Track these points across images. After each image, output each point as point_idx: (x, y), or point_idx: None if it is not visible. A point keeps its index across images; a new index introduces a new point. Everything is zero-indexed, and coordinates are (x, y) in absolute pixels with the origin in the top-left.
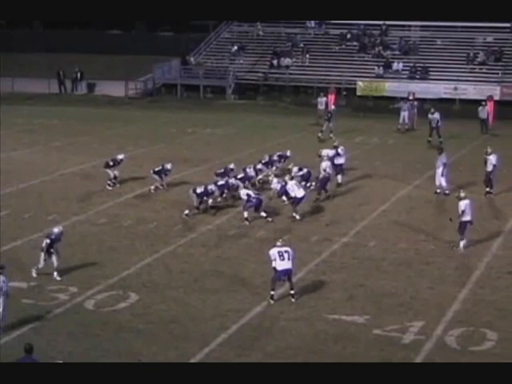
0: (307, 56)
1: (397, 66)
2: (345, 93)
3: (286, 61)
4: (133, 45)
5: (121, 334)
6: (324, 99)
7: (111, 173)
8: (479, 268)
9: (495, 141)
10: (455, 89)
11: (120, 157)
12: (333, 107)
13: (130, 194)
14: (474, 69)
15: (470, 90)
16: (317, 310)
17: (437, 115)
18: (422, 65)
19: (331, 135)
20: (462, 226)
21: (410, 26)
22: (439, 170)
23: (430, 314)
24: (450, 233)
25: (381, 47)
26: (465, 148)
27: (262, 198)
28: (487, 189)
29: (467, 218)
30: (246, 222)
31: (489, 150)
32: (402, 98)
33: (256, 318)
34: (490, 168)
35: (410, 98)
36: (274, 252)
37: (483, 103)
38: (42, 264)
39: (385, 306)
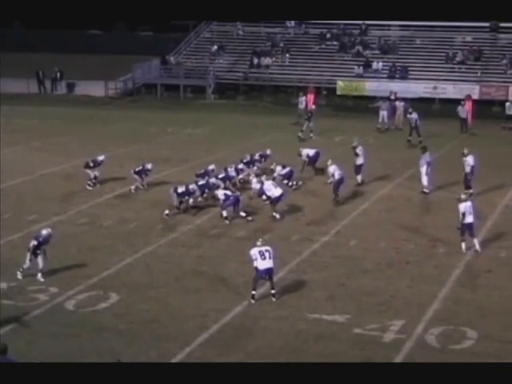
0: (287, 55)
1: (376, 65)
2: (325, 92)
3: (266, 60)
4: (112, 44)
5: (101, 334)
6: (304, 98)
7: (91, 173)
8: (459, 267)
9: (474, 140)
10: (435, 88)
11: (100, 158)
12: (313, 107)
13: (111, 194)
14: (454, 68)
15: (449, 90)
16: (298, 310)
17: (415, 115)
18: (401, 64)
19: (311, 135)
20: (464, 228)
21: (389, 25)
22: (423, 169)
23: (410, 312)
24: (431, 232)
25: (360, 46)
26: (444, 147)
27: (239, 197)
28: (465, 190)
29: (469, 220)
30: (226, 221)
31: (465, 152)
32: (382, 98)
33: (237, 317)
34: (467, 169)
35: (392, 97)
36: (254, 252)
37: (462, 102)
38: (27, 264)
39: (365, 305)
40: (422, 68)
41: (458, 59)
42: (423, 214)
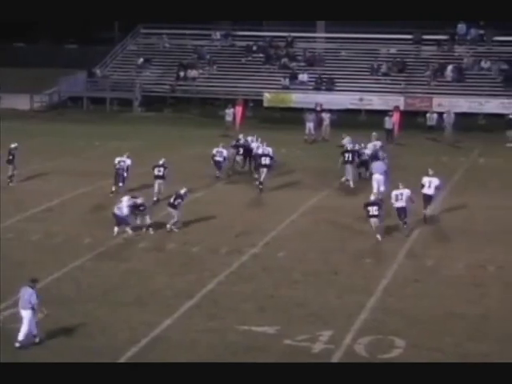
0: (214, 68)
1: (302, 77)
2: (252, 104)
3: (193, 73)
4: (37, 57)
5: (29, 349)
6: (232, 110)
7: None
8: (386, 277)
9: (400, 150)
10: (361, 99)
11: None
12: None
13: (38, 208)
14: (379, 80)
15: (375, 101)
16: (227, 322)
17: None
18: (327, 76)
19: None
20: (397, 212)
21: (314, 37)
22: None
23: (338, 323)
24: (358, 242)
25: (286, 59)
26: None
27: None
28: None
29: (398, 204)
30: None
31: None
32: (308, 109)
33: (166, 330)
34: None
35: (318, 108)
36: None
37: (390, 113)
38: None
39: (295, 316)
40: (348, 80)
41: (382, 71)
42: (351, 225)
